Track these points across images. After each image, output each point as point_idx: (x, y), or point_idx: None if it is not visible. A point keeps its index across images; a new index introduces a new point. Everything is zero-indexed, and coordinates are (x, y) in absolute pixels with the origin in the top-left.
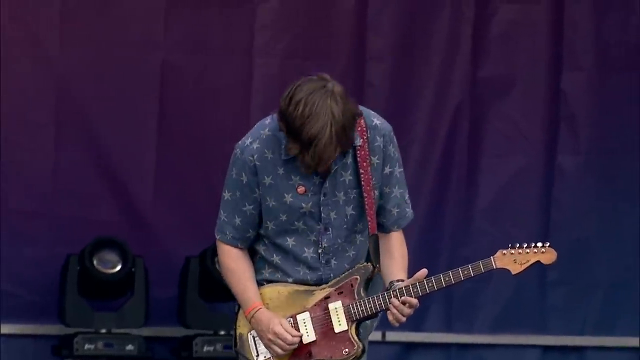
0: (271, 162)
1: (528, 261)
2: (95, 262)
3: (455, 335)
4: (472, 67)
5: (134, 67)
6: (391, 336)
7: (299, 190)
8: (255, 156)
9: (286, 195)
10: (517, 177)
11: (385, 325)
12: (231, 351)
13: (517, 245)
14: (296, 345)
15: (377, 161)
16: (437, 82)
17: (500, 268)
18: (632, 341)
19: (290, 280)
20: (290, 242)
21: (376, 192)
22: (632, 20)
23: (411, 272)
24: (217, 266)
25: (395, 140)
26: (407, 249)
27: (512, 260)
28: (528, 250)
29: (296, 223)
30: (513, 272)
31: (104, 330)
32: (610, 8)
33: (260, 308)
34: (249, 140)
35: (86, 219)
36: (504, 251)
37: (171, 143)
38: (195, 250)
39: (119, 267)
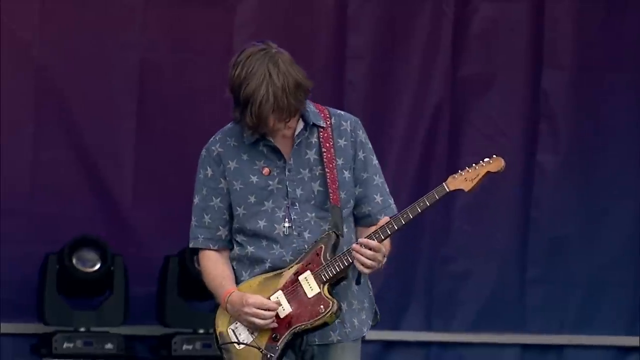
0: (234, 148)
1: (478, 175)
2: (74, 261)
3: (435, 334)
4: (452, 66)
5: (112, 66)
6: (370, 335)
7: (263, 172)
8: (217, 145)
9: (252, 177)
10: (496, 175)
11: None
12: (210, 349)
13: (466, 166)
14: (274, 312)
15: (345, 142)
16: (417, 81)
17: (453, 190)
18: (610, 339)
19: (268, 264)
20: (261, 224)
21: (346, 172)
22: (613, 19)
23: (392, 264)
24: (196, 265)
25: (364, 130)
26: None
27: (463, 179)
28: (476, 166)
29: (265, 203)
30: (466, 189)
31: (83, 329)
32: (590, 7)
33: (233, 292)
34: (212, 138)
35: (65, 218)
36: (455, 175)
37: (150, 142)
38: (174, 249)
39: (98, 266)
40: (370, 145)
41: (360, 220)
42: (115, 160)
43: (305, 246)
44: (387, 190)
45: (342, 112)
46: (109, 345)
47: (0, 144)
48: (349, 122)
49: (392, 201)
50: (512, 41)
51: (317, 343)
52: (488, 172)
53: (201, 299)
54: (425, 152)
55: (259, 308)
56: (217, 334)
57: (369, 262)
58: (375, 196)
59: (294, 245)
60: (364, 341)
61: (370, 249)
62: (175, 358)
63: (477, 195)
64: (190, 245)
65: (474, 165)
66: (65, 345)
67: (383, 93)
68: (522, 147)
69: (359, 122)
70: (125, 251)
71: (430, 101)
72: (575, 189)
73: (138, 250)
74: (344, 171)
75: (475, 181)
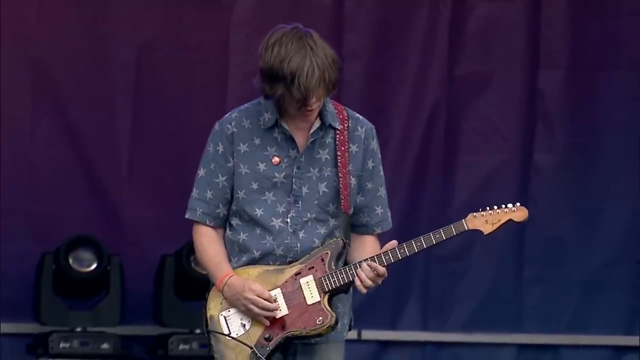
0: (248, 131)
1: (500, 220)
2: (70, 261)
3: (431, 334)
4: (449, 65)
5: (109, 65)
6: (367, 334)
7: (273, 160)
8: (233, 124)
9: (260, 163)
10: (493, 175)
11: (361, 324)
12: (207, 349)
13: (488, 207)
14: (275, 306)
15: (357, 149)
16: (413, 80)
17: (472, 229)
18: (606, 339)
19: (256, 254)
20: (259, 212)
21: (352, 179)
22: (608, 18)
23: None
24: (192, 265)
25: (377, 138)
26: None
27: (484, 221)
28: (499, 211)
29: (267, 193)
30: (485, 232)
31: (79, 329)
32: (586, 6)
33: (233, 275)
34: (229, 113)
35: (61, 217)
36: (475, 213)
37: (146, 141)
38: (171, 248)
39: (94, 266)
40: (380, 155)
41: (356, 227)
42: (111, 160)
43: (298, 245)
44: (387, 202)
45: (360, 117)
46: (105, 345)
47: None
48: (364, 128)
49: (389, 214)
50: (508, 40)
51: (300, 341)
52: (510, 220)
53: (198, 298)
54: (421, 151)
55: (259, 296)
56: (208, 317)
57: (370, 283)
58: (376, 207)
59: (287, 241)
60: (360, 341)
61: (376, 273)
62: (172, 358)
63: (474, 195)
64: (187, 216)
65: (496, 208)
66: (61, 345)
67: (379, 92)
68: (518, 146)
69: (374, 130)
70: (122, 251)
71: (427, 100)
72: (572, 187)
73: (134, 250)
74: (352, 178)
75: (495, 226)
